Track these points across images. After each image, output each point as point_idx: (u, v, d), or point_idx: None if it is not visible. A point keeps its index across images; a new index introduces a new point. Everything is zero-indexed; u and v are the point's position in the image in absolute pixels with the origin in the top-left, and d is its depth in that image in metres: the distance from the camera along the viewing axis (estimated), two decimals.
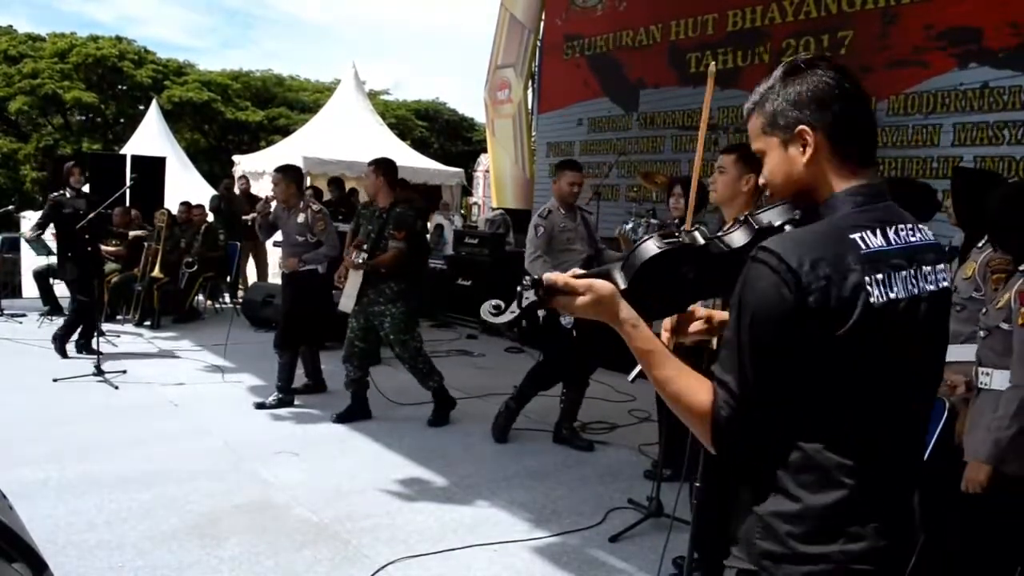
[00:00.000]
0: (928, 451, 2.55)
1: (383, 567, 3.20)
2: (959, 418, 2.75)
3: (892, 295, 1.21)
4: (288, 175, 5.51)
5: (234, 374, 6.40)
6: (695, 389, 1.28)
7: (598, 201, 8.41)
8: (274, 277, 10.73)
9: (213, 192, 14.11)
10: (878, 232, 1.24)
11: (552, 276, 1.35)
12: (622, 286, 1.34)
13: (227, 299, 9.97)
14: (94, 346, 6.25)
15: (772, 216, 1.39)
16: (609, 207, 8.80)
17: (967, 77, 6.08)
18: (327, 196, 10.39)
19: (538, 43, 10.48)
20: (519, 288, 1.35)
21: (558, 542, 3.54)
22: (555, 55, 10.22)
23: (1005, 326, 2.48)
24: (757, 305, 1.21)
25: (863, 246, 1.22)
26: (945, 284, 1.32)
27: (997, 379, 2.49)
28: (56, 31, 30.21)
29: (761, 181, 1.42)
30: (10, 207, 12.44)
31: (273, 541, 3.40)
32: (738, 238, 1.40)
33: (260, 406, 5.45)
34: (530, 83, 10.63)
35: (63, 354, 6.62)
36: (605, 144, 9.41)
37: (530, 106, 10.65)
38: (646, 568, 3.28)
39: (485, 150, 16.16)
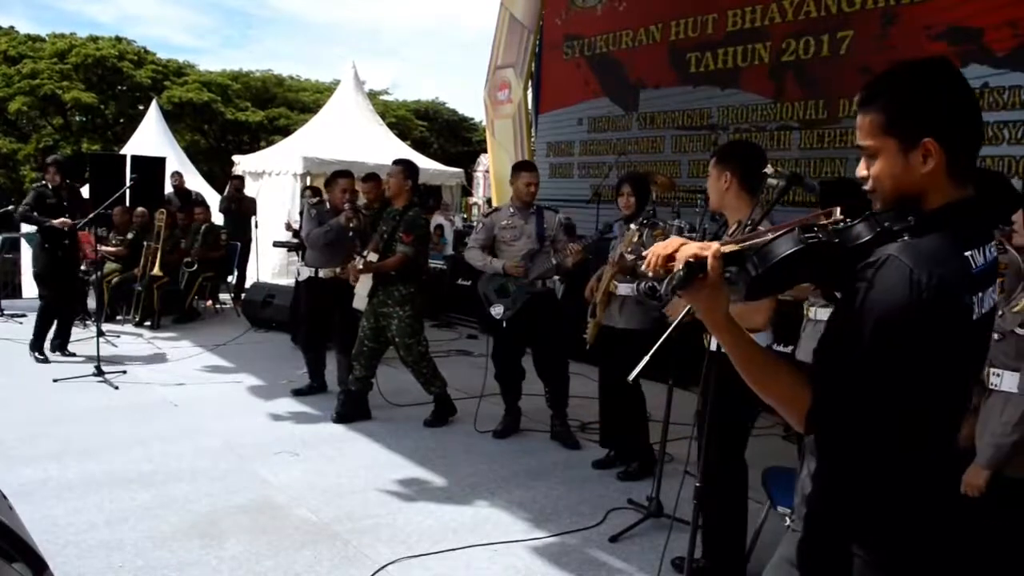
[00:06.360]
0: None
1: (383, 567, 3.20)
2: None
3: (984, 311, 1.30)
4: (349, 178, 5.91)
5: (234, 374, 6.40)
6: (792, 395, 1.34)
7: (598, 201, 8.39)
8: (272, 277, 10.75)
9: (213, 192, 14.15)
10: (980, 251, 1.30)
11: (710, 249, 1.35)
12: (752, 273, 1.34)
13: (227, 299, 9.96)
14: (95, 345, 6.24)
15: (891, 220, 1.34)
16: (609, 208, 8.78)
17: (967, 77, 6.06)
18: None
19: (538, 43, 10.46)
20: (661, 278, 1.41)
21: (558, 542, 3.54)
22: (555, 55, 10.20)
23: (1021, 331, 2.47)
24: (886, 310, 1.22)
25: (972, 265, 1.27)
26: (995, 298, 1.39)
27: (1008, 381, 2.49)
28: (56, 31, 30.26)
29: (860, 172, 1.38)
30: (10, 207, 12.42)
31: (273, 541, 3.40)
32: (863, 231, 1.34)
33: (297, 392, 5.80)
34: (530, 83, 10.61)
35: (41, 359, 6.58)
36: (605, 144, 9.40)
37: (530, 106, 10.62)
38: (646, 568, 3.28)
39: (485, 150, 16.14)
